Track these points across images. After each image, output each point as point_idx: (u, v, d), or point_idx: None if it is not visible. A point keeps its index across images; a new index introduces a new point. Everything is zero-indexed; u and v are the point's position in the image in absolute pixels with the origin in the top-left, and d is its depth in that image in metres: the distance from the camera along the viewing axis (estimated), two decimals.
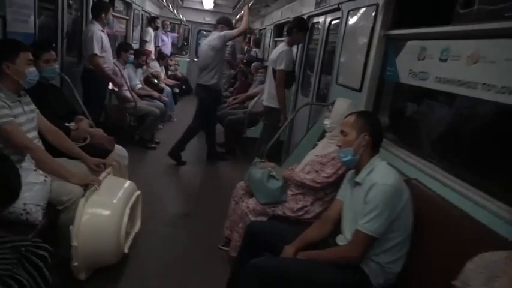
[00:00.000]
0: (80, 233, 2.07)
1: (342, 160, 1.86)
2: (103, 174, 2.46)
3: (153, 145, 5.29)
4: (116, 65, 4.92)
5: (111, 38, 6.55)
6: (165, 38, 8.87)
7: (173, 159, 4.77)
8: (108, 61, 4.47)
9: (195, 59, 11.08)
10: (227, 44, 6.88)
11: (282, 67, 3.84)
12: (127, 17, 6.84)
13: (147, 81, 6.46)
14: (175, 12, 9.27)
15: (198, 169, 4.78)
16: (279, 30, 7.20)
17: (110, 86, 4.78)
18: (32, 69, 2.27)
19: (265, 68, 5.89)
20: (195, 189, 4.16)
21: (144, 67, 6.58)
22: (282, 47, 3.95)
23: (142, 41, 7.71)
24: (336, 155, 2.42)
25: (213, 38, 4.54)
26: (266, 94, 4.11)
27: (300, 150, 3.33)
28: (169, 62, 9.34)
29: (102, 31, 4.33)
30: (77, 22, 4.53)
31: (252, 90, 6.05)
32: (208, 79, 4.53)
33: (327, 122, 2.58)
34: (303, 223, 2.48)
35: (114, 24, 6.14)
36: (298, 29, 3.96)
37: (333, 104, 2.61)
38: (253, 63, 6.87)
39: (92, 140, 2.92)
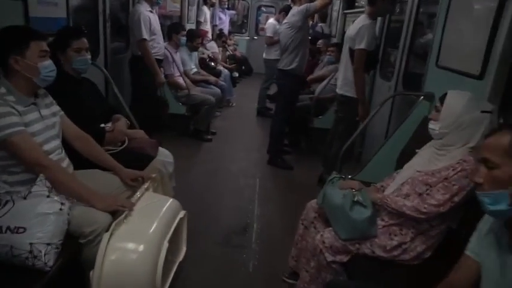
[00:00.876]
0: (103, 281, 1.58)
1: (489, 209, 1.12)
2: (137, 193, 1.96)
3: (209, 136, 4.81)
4: (168, 49, 4.45)
5: (166, 19, 6.14)
6: (222, 15, 8.31)
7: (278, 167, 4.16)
8: (158, 45, 4.00)
9: (255, 37, 10.44)
10: None
11: (362, 46, 3.06)
12: None
13: (203, 64, 5.97)
14: None
15: (257, 167, 4.19)
16: (349, 0, 6.27)
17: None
18: (47, 62, 1.79)
19: (336, 45, 5.10)
20: (254, 193, 3.59)
21: (201, 48, 6.09)
22: (362, 20, 3.15)
23: (197, 22, 7.20)
24: (449, 173, 1.71)
25: (291, 14, 3.84)
26: (341, 80, 3.36)
27: (384, 157, 2.62)
28: (228, 41, 8.82)
29: (151, 11, 3.85)
30: (123, 2, 4.08)
31: (318, 72, 5.29)
32: (288, 63, 3.85)
33: (434, 126, 1.82)
34: (398, 265, 1.81)
35: (167, 3, 5.68)
36: None
37: (442, 99, 1.85)
38: (319, 40, 6.07)
39: (131, 144, 2.44)
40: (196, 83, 5.21)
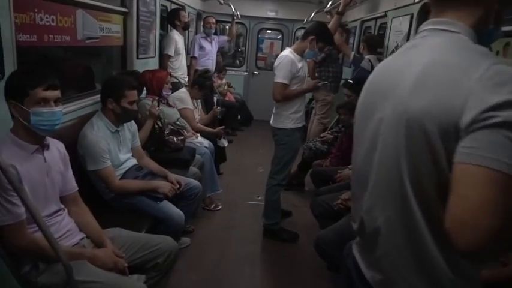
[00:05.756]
0: None
1: None
2: None
3: None
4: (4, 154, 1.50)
5: (85, 56, 3.24)
6: (206, 44, 5.39)
7: None
8: None
9: (256, 72, 7.59)
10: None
11: None
12: (125, 9, 3.46)
13: (160, 141, 3.02)
14: (224, 2, 5.74)
15: None
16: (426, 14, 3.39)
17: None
18: None
19: None
20: None
21: (149, 100, 3.14)
22: None
23: (164, 56, 4.31)
24: None
25: None
26: None
27: None
28: (219, 81, 6.00)
29: None
30: None
31: None
32: None
33: None
34: None
35: (83, 22, 2.77)
36: None
37: None
38: None
39: None
40: (127, 197, 2.29)
